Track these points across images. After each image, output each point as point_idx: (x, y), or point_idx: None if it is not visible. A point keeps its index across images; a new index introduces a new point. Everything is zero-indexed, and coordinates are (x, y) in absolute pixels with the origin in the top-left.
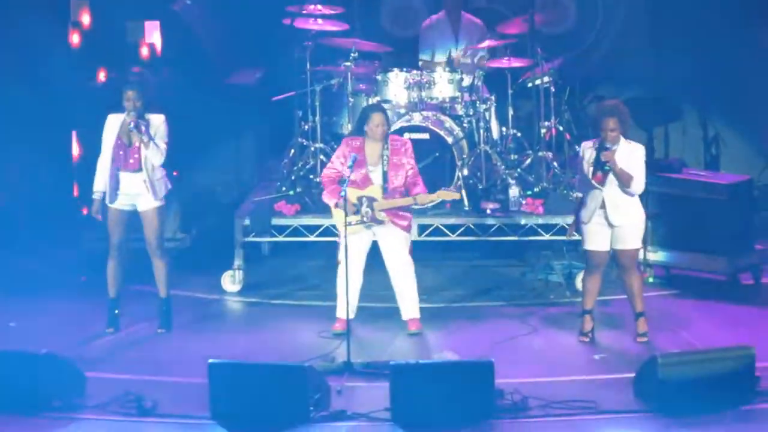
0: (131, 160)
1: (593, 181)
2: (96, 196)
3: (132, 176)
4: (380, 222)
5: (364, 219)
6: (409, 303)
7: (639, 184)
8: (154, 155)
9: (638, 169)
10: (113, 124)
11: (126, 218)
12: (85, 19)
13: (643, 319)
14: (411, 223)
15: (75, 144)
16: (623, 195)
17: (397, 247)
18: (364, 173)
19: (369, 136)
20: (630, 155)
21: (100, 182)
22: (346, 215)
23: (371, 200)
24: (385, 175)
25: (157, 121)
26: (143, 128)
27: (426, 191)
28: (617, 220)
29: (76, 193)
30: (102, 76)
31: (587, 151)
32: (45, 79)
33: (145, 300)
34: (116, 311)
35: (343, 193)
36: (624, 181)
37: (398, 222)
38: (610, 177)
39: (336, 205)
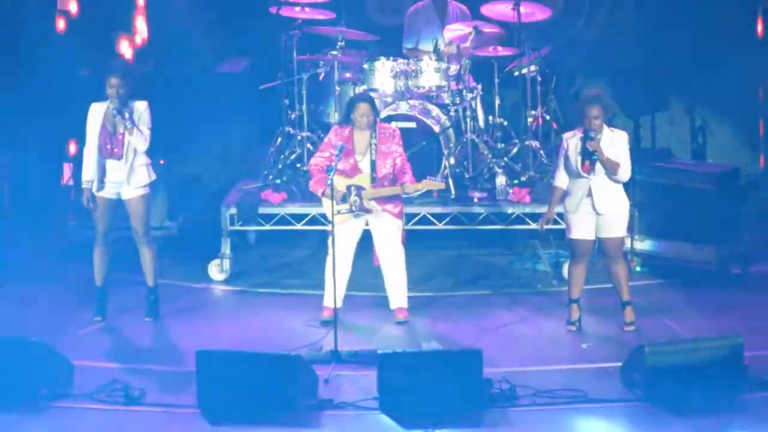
0: (116, 149)
1: (581, 171)
2: (85, 185)
3: (117, 164)
4: (368, 211)
5: (353, 208)
6: (397, 292)
7: (625, 171)
8: (138, 141)
9: (624, 156)
10: (97, 112)
11: (112, 206)
12: (72, 6)
13: (630, 308)
14: (402, 210)
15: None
16: (610, 183)
17: (388, 236)
18: (352, 162)
19: (356, 125)
20: (613, 143)
21: (88, 171)
22: (334, 204)
23: (359, 189)
24: (373, 164)
25: (141, 108)
26: (127, 115)
27: (414, 180)
28: (603, 208)
29: (63, 181)
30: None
31: (571, 141)
32: (33, 66)
33: (133, 288)
34: (101, 300)
35: (329, 182)
36: (611, 169)
37: (390, 210)
38: (598, 165)
39: (322, 194)
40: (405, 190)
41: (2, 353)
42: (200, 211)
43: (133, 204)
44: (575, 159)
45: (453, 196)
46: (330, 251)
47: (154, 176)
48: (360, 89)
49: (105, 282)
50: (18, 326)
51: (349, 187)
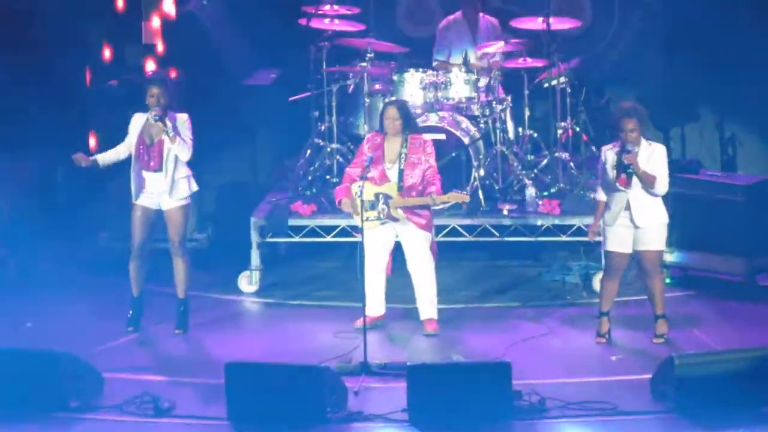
0: (152, 162)
1: (618, 184)
2: (94, 157)
3: (154, 176)
4: (396, 219)
5: (381, 216)
6: (427, 303)
7: (663, 184)
8: (180, 149)
9: (661, 169)
10: (137, 122)
11: (151, 217)
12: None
13: (662, 321)
14: (431, 222)
15: (92, 140)
16: (648, 196)
17: (415, 246)
18: (381, 170)
19: (387, 130)
20: (651, 155)
21: (104, 157)
22: (358, 214)
23: (387, 197)
24: (401, 173)
25: (182, 119)
26: (168, 123)
27: (441, 192)
28: (642, 221)
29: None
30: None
31: (608, 154)
32: (61, 78)
33: (162, 300)
34: (136, 311)
35: (359, 194)
36: (648, 183)
37: (416, 220)
38: (634, 179)
39: (339, 203)
40: (432, 201)
41: (33, 365)
42: (230, 222)
43: (172, 214)
44: (612, 172)
45: (483, 208)
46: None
47: (196, 187)
48: (390, 101)
49: (141, 293)
50: (48, 338)
51: (377, 195)
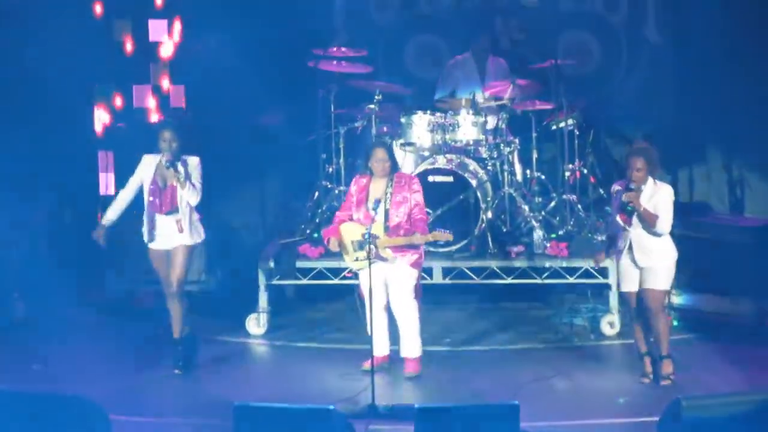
0: (164, 206)
1: (619, 221)
2: (104, 222)
3: (166, 219)
4: (384, 259)
5: (369, 256)
6: (406, 342)
7: (663, 224)
8: (190, 195)
9: (663, 210)
10: (148, 164)
11: (167, 257)
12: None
13: (667, 362)
14: (420, 261)
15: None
16: (649, 236)
17: (400, 285)
18: (364, 210)
19: (374, 172)
20: (655, 195)
21: (113, 212)
22: (347, 254)
23: (374, 237)
24: (386, 213)
25: (193, 163)
26: (180, 168)
27: (426, 231)
28: (643, 261)
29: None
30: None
31: (616, 192)
32: (68, 121)
33: (166, 342)
34: (179, 348)
35: (367, 236)
36: (648, 222)
37: (403, 259)
38: (635, 218)
39: (328, 242)
40: (415, 240)
41: (39, 408)
42: (238, 265)
43: (177, 253)
44: (616, 210)
45: (491, 251)
46: (365, 302)
47: (204, 234)
48: (397, 143)
49: (181, 333)
50: (56, 380)
51: (364, 236)
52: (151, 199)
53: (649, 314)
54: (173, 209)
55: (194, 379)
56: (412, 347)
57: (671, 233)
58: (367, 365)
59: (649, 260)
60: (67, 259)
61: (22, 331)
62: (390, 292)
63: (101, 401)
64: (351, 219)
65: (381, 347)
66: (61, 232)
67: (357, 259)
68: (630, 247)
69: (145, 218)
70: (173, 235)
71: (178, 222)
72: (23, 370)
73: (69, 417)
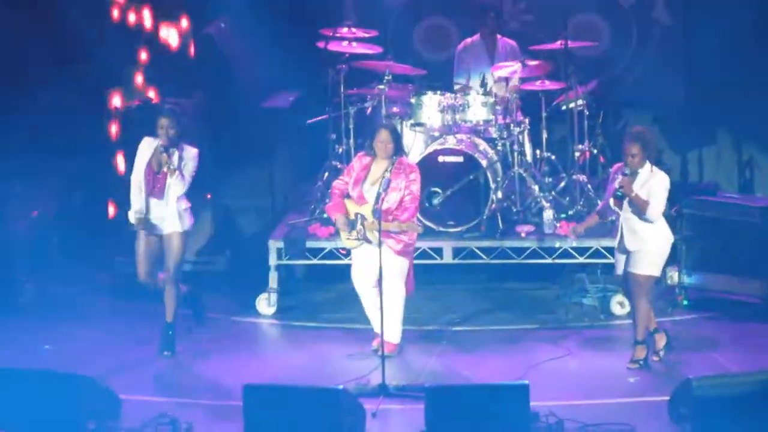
0: (156, 188)
1: (611, 205)
2: (137, 215)
3: (158, 203)
4: (370, 241)
5: (359, 236)
6: (386, 325)
7: (653, 211)
8: (175, 184)
9: (655, 197)
10: (146, 146)
11: (155, 244)
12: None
13: (640, 347)
14: (407, 249)
15: (121, 162)
16: (640, 221)
17: (387, 271)
18: (359, 191)
19: (377, 153)
20: (648, 181)
21: (137, 201)
22: (345, 233)
23: (363, 218)
24: (378, 196)
25: (189, 154)
26: (174, 157)
27: (406, 219)
28: (632, 245)
29: (111, 214)
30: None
31: (613, 174)
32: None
33: (179, 322)
34: (170, 333)
35: (358, 217)
36: (639, 207)
37: (391, 246)
38: (626, 203)
39: (334, 220)
40: (396, 226)
41: (50, 388)
42: (248, 245)
43: (171, 241)
44: (608, 194)
45: (501, 230)
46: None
47: (192, 221)
48: (407, 123)
49: (174, 318)
50: (66, 361)
51: (356, 215)
52: (146, 180)
53: (631, 296)
54: (164, 195)
55: (204, 358)
56: (392, 333)
57: (679, 214)
58: (376, 344)
59: (637, 244)
60: (76, 241)
61: (31, 312)
62: (382, 275)
63: (111, 381)
64: (346, 194)
65: (375, 325)
66: (70, 214)
67: (349, 239)
68: (621, 231)
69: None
70: (163, 221)
71: (169, 208)
72: (34, 351)
73: (79, 396)
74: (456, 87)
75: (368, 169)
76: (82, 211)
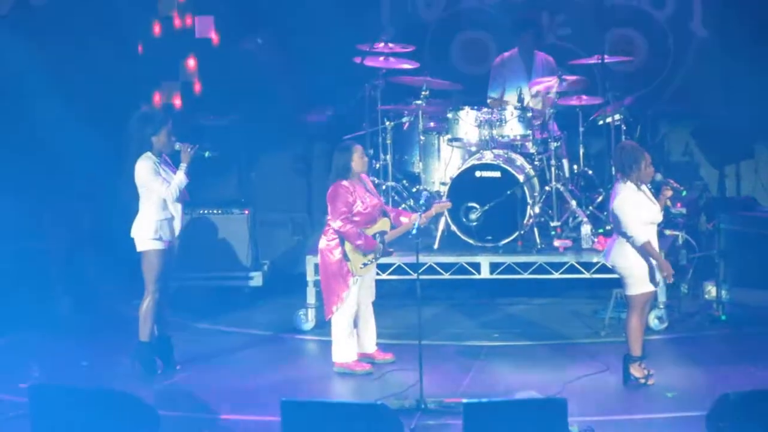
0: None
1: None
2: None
3: (179, 208)
4: (390, 253)
5: (377, 255)
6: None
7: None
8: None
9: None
10: (152, 162)
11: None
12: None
13: (634, 365)
14: None
15: None
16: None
17: (373, 283)
18: (369, 210)
19: (355, 172)
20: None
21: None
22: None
23: (383, 234)
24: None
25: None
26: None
27: (408, 214)
28: (609, 259)
29: None
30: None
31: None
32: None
33: (218, 338)
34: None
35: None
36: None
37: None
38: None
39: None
40: (414, 222)
41: (89, 403)
42: (285, 260)
43: (174, 249)
44: None
45: (538, 246)
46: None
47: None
48: (444, 138)
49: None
50: (104, 377)
51: (374, 236)
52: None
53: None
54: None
55: (241, 374)
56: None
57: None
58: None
59: (612, 260)
60: (112, 254)
61: (69, 327)
62: (371, 289)
63: (149, 397)
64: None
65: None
66: (106, 228)
67: (364, 265)
68: None
69: (162, 215)
70: (178, 227)
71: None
72: (71, 366)
73: (118, 413)
74: (489, 101)
75: (356, 192)
76: (119, 227)
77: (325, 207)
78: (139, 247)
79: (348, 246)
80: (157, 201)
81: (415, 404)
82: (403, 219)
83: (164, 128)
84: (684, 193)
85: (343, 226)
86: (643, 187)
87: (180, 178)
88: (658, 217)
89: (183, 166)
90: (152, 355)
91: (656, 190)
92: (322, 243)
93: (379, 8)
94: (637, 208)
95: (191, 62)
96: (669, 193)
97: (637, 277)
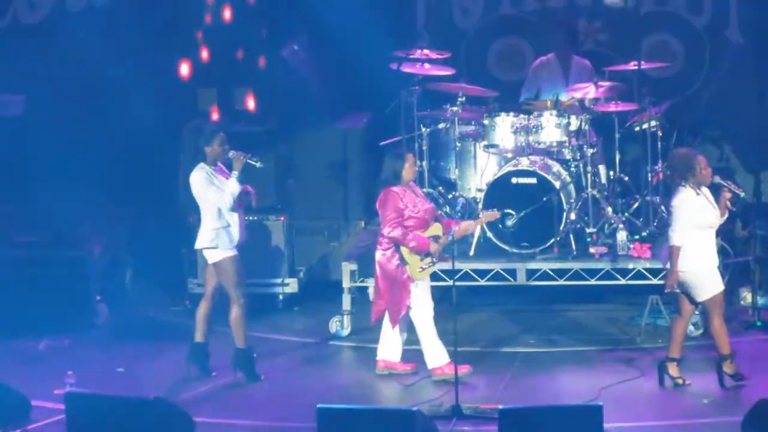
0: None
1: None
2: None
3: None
4: (444, 259)
5: (434, 260)
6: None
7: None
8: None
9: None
10: (206, 173)
11: None
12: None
13: (672, 364)
14: None
15: None
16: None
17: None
18: (421, 215)
19: (406, 179)
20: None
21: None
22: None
23: (436, 238)
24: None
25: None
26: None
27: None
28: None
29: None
30: None
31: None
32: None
33: (252, 344)
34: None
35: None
36: None
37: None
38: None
39: (428, 248)
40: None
41: (124, 410)
42: (321, 267)
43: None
44: None
45: (574, 252)
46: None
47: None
48: (480, 145)
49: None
50: (140, 384)
51: (429, 239)
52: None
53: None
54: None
55: (276, 380)
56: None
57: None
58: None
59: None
60: (149, 263)
61: (105, 334)
62: (428, 299)
63: (185, 404)
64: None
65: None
66: (143, 237)
67: (422, 269)
68: None
69: (218, 224)
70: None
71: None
72: (108, 372)
73: (153, 419)
74: (526, 105)
75: (412, 197)
76: (155, 234)
77: (359, 213)
78: (210, 259)
79: (404, 250)
80: (213, 210)
81: (450, 410)
82: (454, 227)
83: (216, 138)
84: (742, 194)
85: (393, 230)
86: (704, 190)
87: (232, 186)
88: (717, 221)
89: (234, 173)
90: (246, 360)
91: (715, 193)
92: (378, 255)
93: (414, 15)
94: (691, 211)
95: None
96: (728, 195)
97: (702, 281)
